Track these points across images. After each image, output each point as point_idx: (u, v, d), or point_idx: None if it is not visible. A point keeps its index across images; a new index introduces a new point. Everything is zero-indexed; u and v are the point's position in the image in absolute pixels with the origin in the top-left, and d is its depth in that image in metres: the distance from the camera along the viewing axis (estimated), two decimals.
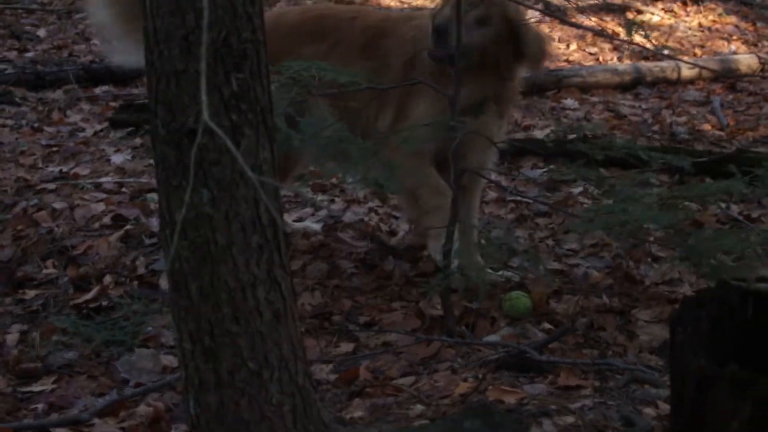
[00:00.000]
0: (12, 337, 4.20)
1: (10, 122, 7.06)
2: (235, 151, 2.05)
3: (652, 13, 10.89)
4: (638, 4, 11.13)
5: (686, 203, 5.40)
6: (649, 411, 3.19)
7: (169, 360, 3.98)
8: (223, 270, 2.40)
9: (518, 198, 5.54)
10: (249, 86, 2.32)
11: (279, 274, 2.46)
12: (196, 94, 2.25)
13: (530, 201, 5.47)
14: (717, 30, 10.54)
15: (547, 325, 4.24)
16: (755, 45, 10.11)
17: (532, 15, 5.40)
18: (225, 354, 2.46)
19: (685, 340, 2.53)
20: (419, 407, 3.33)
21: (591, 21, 10.37)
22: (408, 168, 4.50)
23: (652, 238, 5.00)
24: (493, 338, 4.10)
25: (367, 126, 4.76)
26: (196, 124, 2.26)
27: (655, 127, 7.36)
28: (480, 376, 3.53)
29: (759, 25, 10.66)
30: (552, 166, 6.15)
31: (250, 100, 2.32)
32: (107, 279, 4.60)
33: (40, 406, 3.73)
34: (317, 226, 5.33)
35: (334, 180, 5.89)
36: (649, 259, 4.84)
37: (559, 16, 7.62)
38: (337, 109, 4.67)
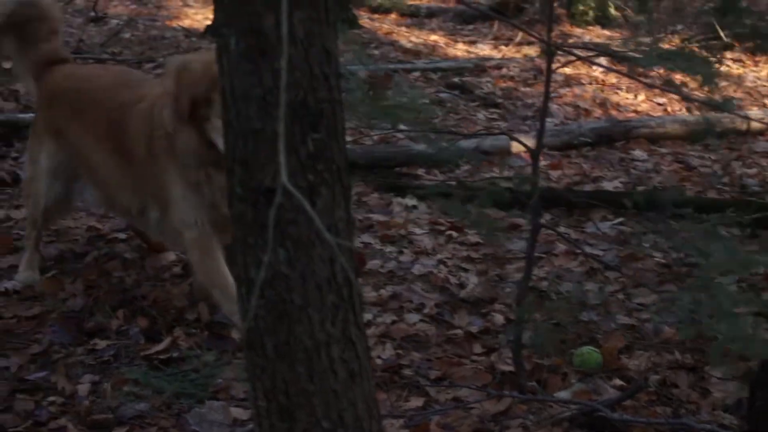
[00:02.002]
0: (84, 388, 4.23)
1: None
2: (311, 211, 2.06)
3: (721, 64, 10.82)
4: (706, 54, 11.08)
5: (758, 257, 5.36)
6: None
7: (239, 412, 3.98)
8: (299, 329, 2.39)
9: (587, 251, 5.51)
10: (325, 146, 2.32)
11: (354, 332, 2.45)
12: (272, 154, 2.26)
13: (599, 255, 5.44)
14: None
15: (618, 381, 4.20)
16: None
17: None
18: (300, 412, 2.45)
19: (764, 403, 2.50)
20: None
21: (658, 72, 10.36)
22: (199, 266, 4.62)
23: (724, 293, 4.97)
24: (564, 394, 4.07)
25: (139, 221, 4.98)
26: (272, 183, 2.27)
27: (725, 179, 7.30)
28: None
29: None
30: (622, 219, 6.12)
31: (326, 159, 2.33)
32: (177, 330, 4.62)
33: None
34: None
35: (402, 231, 5.90)
36: (722, 315, 4.78)
37: (631, 75, 7.59)
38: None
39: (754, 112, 9.00)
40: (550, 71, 4.07)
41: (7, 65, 9.48)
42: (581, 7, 13.41)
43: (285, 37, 1.96)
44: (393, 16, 13.75)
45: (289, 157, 2.25)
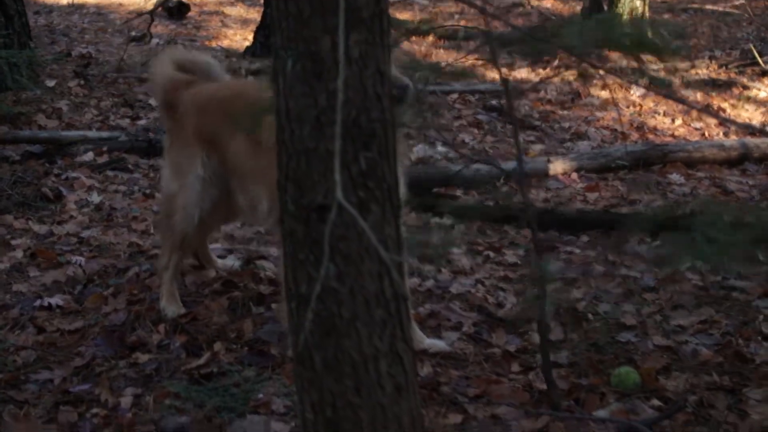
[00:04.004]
0: (126, 400, 4.28)
1: (122, 188, 7.23)
2: (365, 225, 2.11)
3: (759, 89, 10.82)
4: (744, 80, 11.07)
5: None
6: None
7: (280, 427, 4.02)
8: (347, 343, 2.44)
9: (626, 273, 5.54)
10: (377, 164, 2.38)
11: (401, 347, 2.50)
12: (325, 172, 2.31)
13: (638, 276, 5.46)
14: None
15: (656, 402, 4.21)
16: None
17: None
18: (346, 425, 2.50)
19: None
20: None
21: (696, 97, 10.38)
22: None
23: (762, 317, 4.99)
24: (602, 413, 4.09)
25: None
26: (324, 200, 2.33)
27: (763, 204, 7.29)
28: None
29: None
30: (659, 242, 6.13)
31: (377, 177, 2.38)
32: (218, 345, 4.67)
33: None
34: (237, 263, 5.67)
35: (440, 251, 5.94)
36: (759, 338, 4.80)
37: (669, 95, 7.64)
38: None
39: None
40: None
41: (50, 83, 9.62)
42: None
43: (342, 58, 2.01)
44: (430, 38, 13.79)
45: (341, 175, 2.30)
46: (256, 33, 12.10)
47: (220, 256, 5.72)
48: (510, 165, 7.26)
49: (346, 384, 2.47)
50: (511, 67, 12.00)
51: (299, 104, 2.35)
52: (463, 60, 11.98)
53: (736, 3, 15.83)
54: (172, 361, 4.61)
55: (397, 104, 4.09)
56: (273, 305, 5.02)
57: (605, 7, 13.50)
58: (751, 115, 10.13)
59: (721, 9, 16.12)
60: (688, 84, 10.90)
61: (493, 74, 11.43)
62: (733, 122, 7.57)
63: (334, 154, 2.12)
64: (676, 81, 10.94)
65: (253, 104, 4.82)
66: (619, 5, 13.12)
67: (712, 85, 10.92)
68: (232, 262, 5.68)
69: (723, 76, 11.33)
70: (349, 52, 2.25)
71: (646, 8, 13.29)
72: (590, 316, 5.03)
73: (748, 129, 9.14)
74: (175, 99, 5.12)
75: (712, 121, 9.68)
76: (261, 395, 4.21)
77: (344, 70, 2.21)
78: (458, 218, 6.41)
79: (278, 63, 2.38)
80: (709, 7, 16.38)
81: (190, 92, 5.11)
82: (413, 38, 13.94)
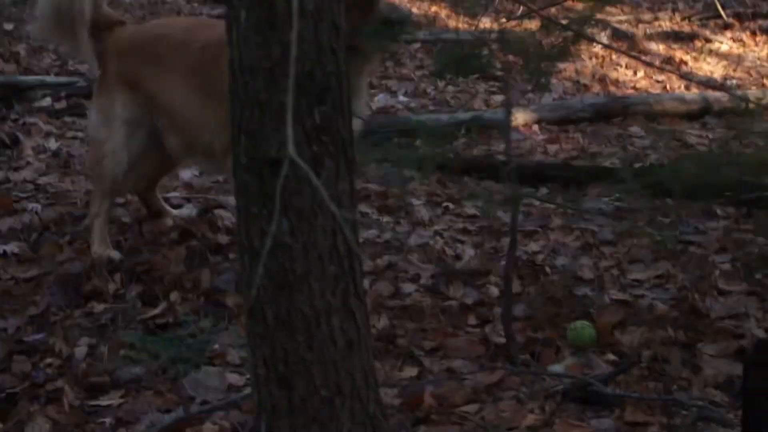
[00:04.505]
0: (81, 350, 4.26)
1: (80, 134, 7.14)
2: (317, 182, 2.08)
3: (721, 42, 10.82)
4: (707, 33, 11.07)
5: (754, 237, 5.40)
6: None
7: (235, 378, 4.01)
8: (300, 298, 2.43)
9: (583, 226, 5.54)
10: (331, 118, 2.35)
11: (354, 303, 2.49)
12: (279, 125, 2.28)
13: (596, 229, 5.47)
14: None
15: (611, 356, 4.22)
16: None
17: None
18: (298, 381, 2.48)
19: (758, 384, 2.52)
20: None
21: (659, 49, 10.36)
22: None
23: (718, 272, 5.00)
24: (557, 368, 4.10)
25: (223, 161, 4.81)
26: (278, 154, 2.30)
27: (722, 159, 7.30)
28: (546, 407, 3.53)
29: None
30: (618, 195, 6.12)
31: (331, 132, 2.36)
32: (174, 295, 4.65)
33: (107, 420, 3.79)
34: (194, 212, 5.67)
35: (399, 202, 5.92)
36: (715, 292, 4.81)
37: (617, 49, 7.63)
38: None
39: (753, 91, 8.99)
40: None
41: (8, 27, 9.49)
42: None
43: (296, 10, 1.98)
44: None
45: (294, 129, 2.28)
46: None
47: (177, 206, 5.67)
48: (468, 115, 7.23)
49: (299, 339, 2.45)
50: (473, 17, 11.94)
51: (253, 56, 2.31)
52: (428, 9, 11.92)
53: None
54: (128, 310, 4.58)
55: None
56: (230, 255, 4.98)
57: None
58: (712, 68, 10.13)
59: None
60: (650, 36, 10.89)
61: (456, 23, 11.37)
62: (691, 78, 7.56)
63: (287, 108, 2.09)
64: (639, 33, 10.93)
65: (179, 45, 4.85)
66: None
67: (674, 37, 10.91)
68: (188, 211, 5.63)
69: (686, 29, 11.32)
70: (304, 4, 2.21)
71: None
72: (548, 269, 5.03)
73: (707, 84, 9.14)
74: (100, 42, 5.13)
75: (675, 74, 9.67)
76: (217, 346, 4.19)
77: (298, 22, 2.18)
78: (418, 169, 6.39)
79: (232, 13, 2.34)
80: None
81: (114, 35, 5.11)
82: None
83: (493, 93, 8.84)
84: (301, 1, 2.19)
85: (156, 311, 4.52)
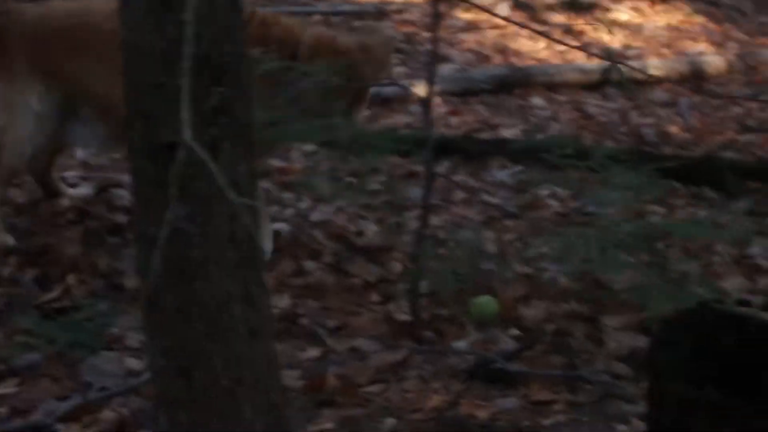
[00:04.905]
0: None
1: None
2: (214, 167, 2.01)
3: (620, 12, 10.87)
4: (606, 2, 11.11)
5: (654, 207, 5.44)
6: (623, 428, 3.18)
7: (134, 363, 3.94)
8: (198, 286, 2.36)
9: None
10: (229, 101, 2.28)
11: (255, 291, 2.42)
12: (174, 108, 2.20)
13: (500, 203, 5.46)
14: (685, 30, 10.54)
15: (515, 331, 4.22)
16: (721, 46, 10.11)
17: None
18: (198, 371, 2.42)
19: (664, 363, 2.52)
20: (390, 420, 3.30)
21: (559, 18, 10.39)
22: None
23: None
24: (461, 345, 4.08)
25: None
26: (174, 138, 2.22)
27: (623, 129, 7.35)
28: (451, 387, 3.51)
29: (726, 25, 10.68)
30: (520, 167, 6.13)
31: (229, 114, 2.29)
32: (71, 278, 4.53)
33: (2, 409, 3.69)
34: (90, 192, 5.50)
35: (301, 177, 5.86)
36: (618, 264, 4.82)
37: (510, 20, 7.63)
38: None
39: (652, 61, 9.06)
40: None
41: None
42: None
43: None
44: None
45: (191, 112, 2.20)
46: None
47: (73, 185, 5.52)
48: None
49: (198, 329, 2.38)
50: None
51: (147, 36, 2.23)
52: None
53: None
54: (23, 295, 4.46)
55: None
56: (129, 235, 4.87)
57: None
58: (612, 38, 10.17)
59: None
60: (551, 6, 10.90)
61: None
62: (586, 50, 7.60)
63: (183, 90, 2.02)
64: (540, 3, 10.94)
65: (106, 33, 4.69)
66: None
67: (575, 7, 10.93)
68: (86, 190, 5.49)
69: None
70: None
71: None
72: (451, 243, 5.00)
73: (602, 57, 9.17)
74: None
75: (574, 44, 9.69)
76: (115, 330, 4.10)
77: (193, 0, 2.10)
78: (321, 144, 6.33)
79: None
80: None
81: (19, 18, 4.85)
82: None
83: (395, 65, 8.78)
84: None
85: (52, 295, 4.41)
